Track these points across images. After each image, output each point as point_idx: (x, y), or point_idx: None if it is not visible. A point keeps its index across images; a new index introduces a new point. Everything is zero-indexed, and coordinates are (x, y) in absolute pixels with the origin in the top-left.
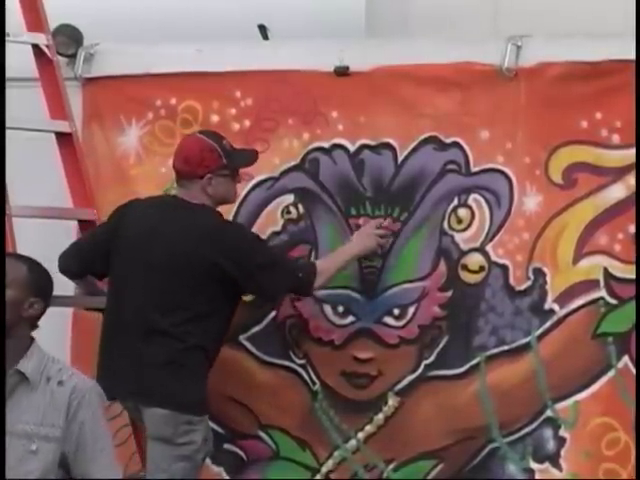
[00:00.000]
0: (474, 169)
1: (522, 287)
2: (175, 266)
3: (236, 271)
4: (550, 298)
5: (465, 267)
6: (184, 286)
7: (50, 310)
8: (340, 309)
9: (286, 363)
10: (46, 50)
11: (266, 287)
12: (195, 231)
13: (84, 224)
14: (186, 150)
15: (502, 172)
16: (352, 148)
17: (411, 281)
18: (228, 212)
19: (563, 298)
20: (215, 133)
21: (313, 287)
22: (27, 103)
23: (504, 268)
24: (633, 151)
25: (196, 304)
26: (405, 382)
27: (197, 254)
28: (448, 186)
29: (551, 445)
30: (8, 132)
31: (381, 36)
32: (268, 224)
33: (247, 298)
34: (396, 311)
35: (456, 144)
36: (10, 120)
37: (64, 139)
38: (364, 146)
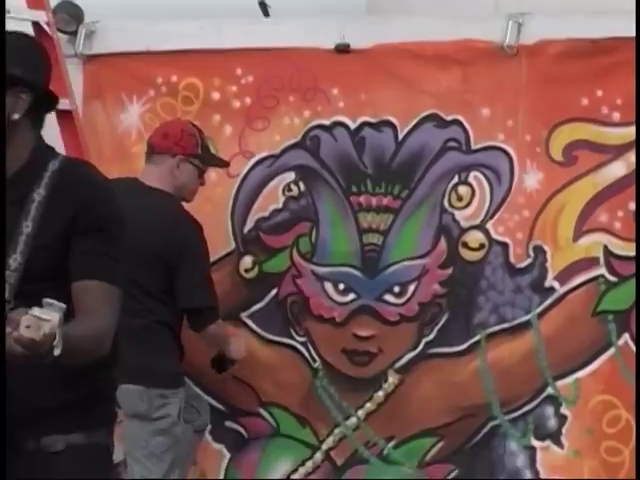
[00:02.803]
0: (475, 147)
1: (522, 265)
2: (134, 247)
3: (174, 262)
4: (550, 276)
5: (465, 245)
6: (142, 266)
7: None
8: (341, 287)
9: (287, 341)
10: (46, 27)
11: (181, 292)
12: (152, 216)
13: None
14: (168, 127)
15: (503, 150)
16: (353, 125)
17: (411, 259)
18: (230, 189)
19: (563, 276)
20: (200, 130)
21: (206, 326)
22: None
23: (504, 246)
24: (633, 129)
25: (154, 282)
26: (405, 359)
27: (152, 237)
28: (449, 164)
29: (552, 422)
30: None
31: (382, 13)
32: (269, 201)
33: (247, 276)
34: (396, 289)
35: (457, 122)
36: None
37: (65, 117)
38: (365, 123)
